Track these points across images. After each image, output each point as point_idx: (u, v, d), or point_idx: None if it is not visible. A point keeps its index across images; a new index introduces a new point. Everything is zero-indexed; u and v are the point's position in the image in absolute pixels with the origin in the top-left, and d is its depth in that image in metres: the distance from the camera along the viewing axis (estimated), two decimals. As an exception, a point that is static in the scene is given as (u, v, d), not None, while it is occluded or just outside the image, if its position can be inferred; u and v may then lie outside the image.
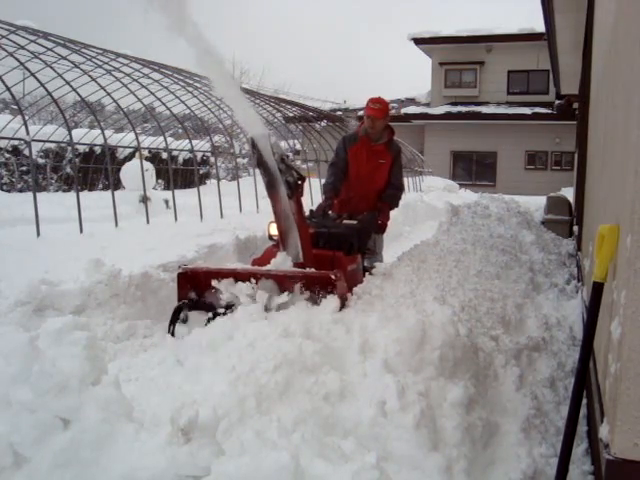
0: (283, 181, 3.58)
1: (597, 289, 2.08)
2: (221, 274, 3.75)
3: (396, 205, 5.25)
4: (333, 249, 4.23)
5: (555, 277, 5.87)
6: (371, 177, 5.07)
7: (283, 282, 3.62)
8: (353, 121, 16.66)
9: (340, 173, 5.14)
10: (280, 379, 2.57)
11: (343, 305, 3.51)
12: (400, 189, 5.22)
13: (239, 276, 3.69)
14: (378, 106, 5.00)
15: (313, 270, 3.66)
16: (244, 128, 3.59)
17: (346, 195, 5.14)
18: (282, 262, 3.75)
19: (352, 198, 5.11)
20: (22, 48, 7.92)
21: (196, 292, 3.88)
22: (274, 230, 4.03)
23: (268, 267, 3.71)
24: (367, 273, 4.54)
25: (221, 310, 3.65)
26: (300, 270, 3.65)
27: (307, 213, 4.52)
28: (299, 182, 3.68)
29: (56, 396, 2.08)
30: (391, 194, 5.14)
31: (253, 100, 12.41)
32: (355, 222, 4.66)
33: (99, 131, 9.76)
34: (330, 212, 4.88)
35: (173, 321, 3.75)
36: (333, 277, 3.51)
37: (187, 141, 12.00)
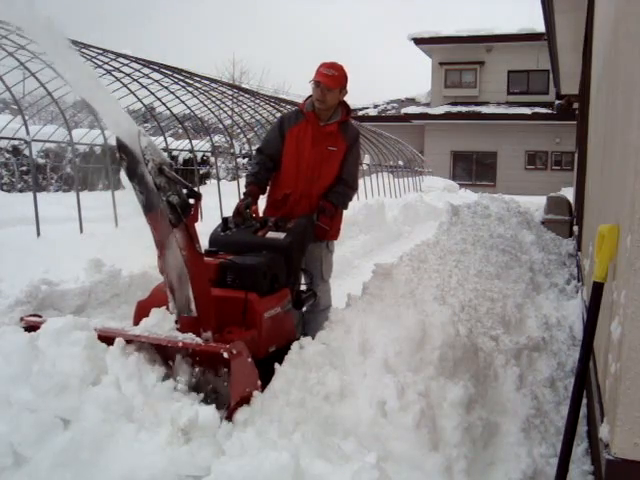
0: (163, 201, 2.47)
1: (597, 289, 2.08)
2: None
3: (345, 207, 3.90)
4: (245, 288, 2.97)
5: (555, 277, 5.88)
6: (317, 168, 3.71)
7: (161, 352, 2.58)
8: (353, 121, 16.59)
9: (269, 162, 3.78)
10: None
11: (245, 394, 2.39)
12: (353, 188, 3.88)
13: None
14: (332, 72, 3.60)
15: (198, 340, 2.51)
16: (106, 124, 2.65)
17: (280, 194, 3.76)
18: (158, 323, 2.60)
19: (288, 198, 3.73)
20: (22, 48, 7.91)
21: None
22: None
23: (136, 330, 2.59)
24: (304, 307, 3.61)
25: None
26: (181, 339, 2.49)
27: (219, 222, 3.63)
28: (189, 203, 2.56)
29: (56, 396, 2.08)
30: (340, 191, 3.76)
31: (253, 100, 12.40)
32: (282, 235, 3.40)
33: (99, 131, 9.76)
34: (252, 214, 3.59)
35: None
36: (226, 355, 2.33)
37: (187, 141, 12.00)
